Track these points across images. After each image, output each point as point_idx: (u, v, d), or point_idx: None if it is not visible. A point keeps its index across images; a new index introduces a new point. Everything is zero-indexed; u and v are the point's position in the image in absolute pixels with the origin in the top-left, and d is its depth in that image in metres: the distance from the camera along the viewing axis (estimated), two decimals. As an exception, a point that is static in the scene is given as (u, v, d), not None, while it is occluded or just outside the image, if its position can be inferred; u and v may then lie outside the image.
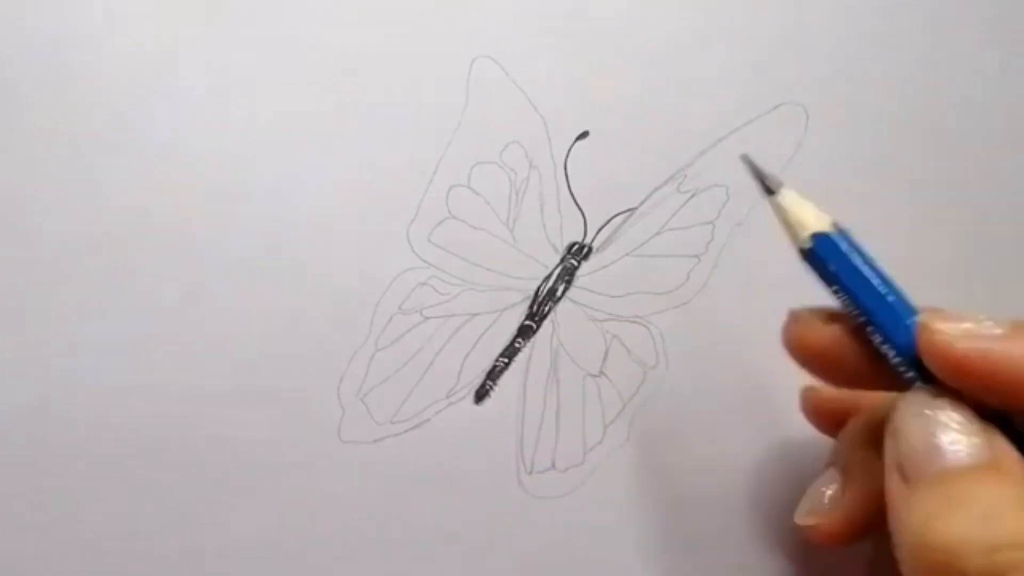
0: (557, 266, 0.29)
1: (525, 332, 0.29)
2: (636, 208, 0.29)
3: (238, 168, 0.28)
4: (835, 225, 0.23)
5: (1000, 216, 0.30)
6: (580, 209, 0.29)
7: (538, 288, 0.29)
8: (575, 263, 0.29)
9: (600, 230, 0.29)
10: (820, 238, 0.22)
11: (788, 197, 0.23)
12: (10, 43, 0.27)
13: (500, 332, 0.29)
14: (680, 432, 0.29)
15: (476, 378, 0.29)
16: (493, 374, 0.29)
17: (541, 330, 0.29)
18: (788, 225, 0.23)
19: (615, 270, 0.29)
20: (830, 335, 0.23)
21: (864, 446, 0.24)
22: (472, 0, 0.29)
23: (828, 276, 0.22)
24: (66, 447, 0.27)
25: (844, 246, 0.22)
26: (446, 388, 0.29)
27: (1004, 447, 0.21)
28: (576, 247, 0.29)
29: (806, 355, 0.24)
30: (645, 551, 0.29)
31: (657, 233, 0.29)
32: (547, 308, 0.29)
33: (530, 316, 0.29)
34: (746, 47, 0.30)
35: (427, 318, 0.29)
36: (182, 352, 0.27)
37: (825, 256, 0.22)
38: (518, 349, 0.29)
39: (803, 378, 0.30)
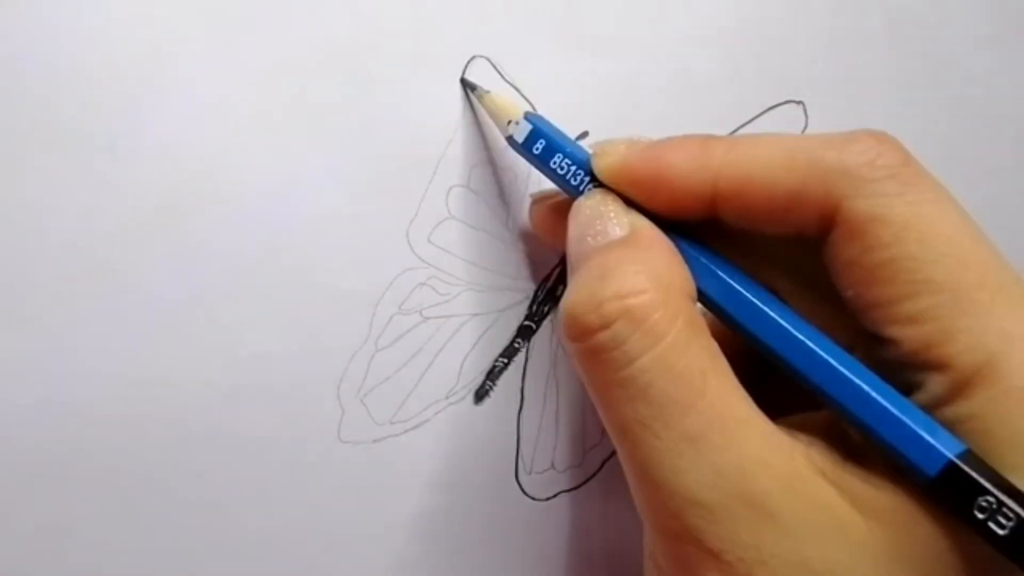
0: (557, 266, 0.29)
1: (525, 332, 0.29)
2: (636, 208, 0.29)
3: (237, 168, 0.28)
4: (526, 113, 0.26)
5: (999, 216, 0.30)
6: (580, 209, 0.29)
7: (537, 288, 0.29)
8: (575, 263, 0.29)
9: (600, 230, 0.29)
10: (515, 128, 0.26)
11: (490, 99, 0.27)
12: (11, 42, 0.27)
13: (500, 332, 0.29)
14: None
15: (476, 378, 0.29)
16: (492, 374, 0.29)
17: (541, 330, 0.29)
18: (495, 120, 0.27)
19: (615, 270, 0.29)
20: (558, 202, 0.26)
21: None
22: (469, 0, 0.29)
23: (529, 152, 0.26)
24: (62, 447, 0.27)
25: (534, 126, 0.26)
26: (446, 388, 0.29)
27: (643, 224, 0.23)
28: (576, 247, 0.29)
29: (545, 228, 0.27)
30: (642, 552, 0.29)
31: (657, 233, 0.29)
32: (547, 308, 0.29)
33: (529, 316, 0.29)
34: (745, 46, 0.30)
35: (427, 318, 0.29)
36: (180, 352, 0.27)
37: (522, 141, 0.26)
38: (517, 349, 0.29)
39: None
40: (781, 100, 0.29)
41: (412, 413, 0.28)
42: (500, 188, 0.29)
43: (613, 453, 0.29)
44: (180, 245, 0.28)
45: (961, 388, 0.20)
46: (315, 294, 0.28)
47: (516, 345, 0.29)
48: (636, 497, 0.22)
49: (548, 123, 0.26)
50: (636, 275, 0.21)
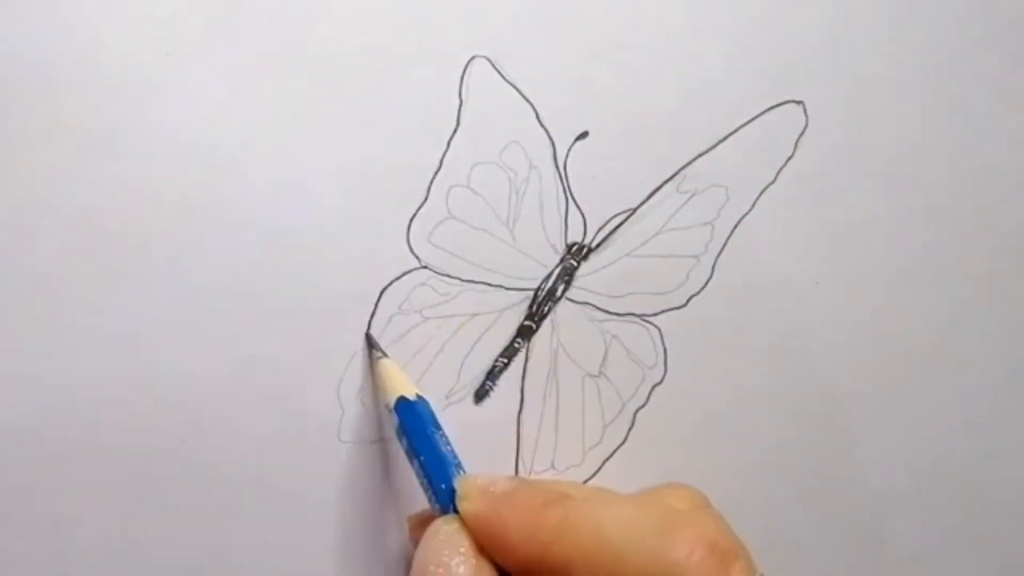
0: (557, 266, 0.29)
1: (525, 332, 0.29)
2: (636, 208, 0.29)
3: (238, 168, 0.28)
4: (418, 395, 0.27)
5: (1001, 214, 0.30)
6: (580, 209, 0.29)
7: (538, 288, 0.29)
8: (575, 263, 0.29)
9: (600, 230, 0.29)
10: (403, 403, 0.26)
11: (389, 365, 0.27)
12: (10, 43, 0.27)
13: (500, 332, 0.29)
14: (679, 432, 0.29)
15: (476, 378, 0.29)
16: (493, 374, 0.29)
17: (541, 330, 0.29)
18: (383, 385, 0.27)
19: (614, 270, 0.29)
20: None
21: None
22: (469, 0, 0.29)
23: (404, 433, 0.26)
24: (65, 448, 0.27)
25: (420, 411, 0.26)
26: (446, 388, 0.29)
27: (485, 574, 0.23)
28: (576, 247, 0.29)
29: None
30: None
31: (656, 233, 0.29)
32: (547, 308, 0.29)
33: (530, 316, 0.29)
34: (745, 46, 0.30)
35: (427, 318, 0.29)
36: (181, 353, 0.27)
37: (403, 416, 0.26)
38: (518, 349, 0.29)
39: (801, 382, 0.30)
40: (780, 100, 0.29)
41: (412, 413, 0.28)
42: (501, 188, 0.29)
43: (613, 453, 0.29)
44: (179, 246, 0.28)
45: None
46: (314, 295, 0.28)
47: (516, 345, 0.29)
48: None
49: (423, 415, 0.26)
50: None
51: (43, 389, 0.27)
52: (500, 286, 0.29)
